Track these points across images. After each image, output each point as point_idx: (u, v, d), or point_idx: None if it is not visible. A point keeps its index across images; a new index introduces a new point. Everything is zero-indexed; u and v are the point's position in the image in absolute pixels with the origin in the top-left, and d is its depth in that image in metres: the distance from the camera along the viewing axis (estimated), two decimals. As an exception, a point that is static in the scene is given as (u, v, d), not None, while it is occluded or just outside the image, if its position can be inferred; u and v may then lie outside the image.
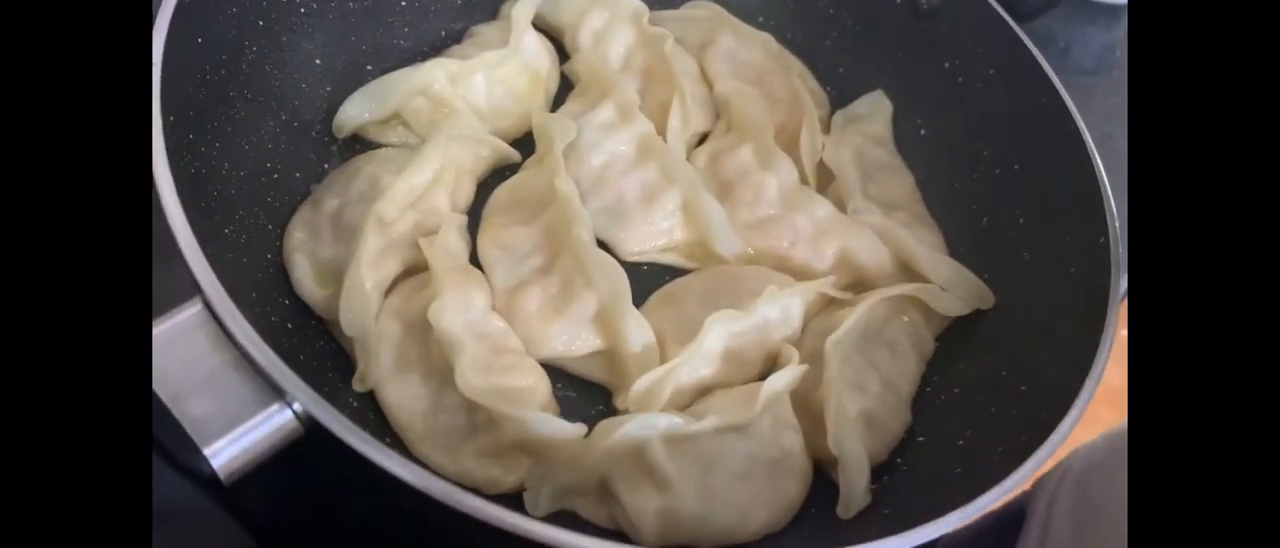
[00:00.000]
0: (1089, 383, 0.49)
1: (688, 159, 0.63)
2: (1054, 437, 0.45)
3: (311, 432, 0.38)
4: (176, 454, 0.36)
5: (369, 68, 0.64)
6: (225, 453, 0.37)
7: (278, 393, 0.38)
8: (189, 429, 0.36)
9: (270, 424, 0.38)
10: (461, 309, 0.51)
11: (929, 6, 0.69)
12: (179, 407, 0.36)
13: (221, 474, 0.36)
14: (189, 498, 0.35)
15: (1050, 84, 0.63)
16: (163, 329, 0.39)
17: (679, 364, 0.51)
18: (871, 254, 0.59)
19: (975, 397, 0.56)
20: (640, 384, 0.50)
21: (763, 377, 0.55)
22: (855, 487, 0.49)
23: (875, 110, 0.70)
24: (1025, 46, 0.65)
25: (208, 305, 0.39)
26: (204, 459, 0.36)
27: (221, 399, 0.37)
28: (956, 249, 0.64)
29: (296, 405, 0.38)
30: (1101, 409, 0.66)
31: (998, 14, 0.66)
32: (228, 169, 0.51)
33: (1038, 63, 0.64)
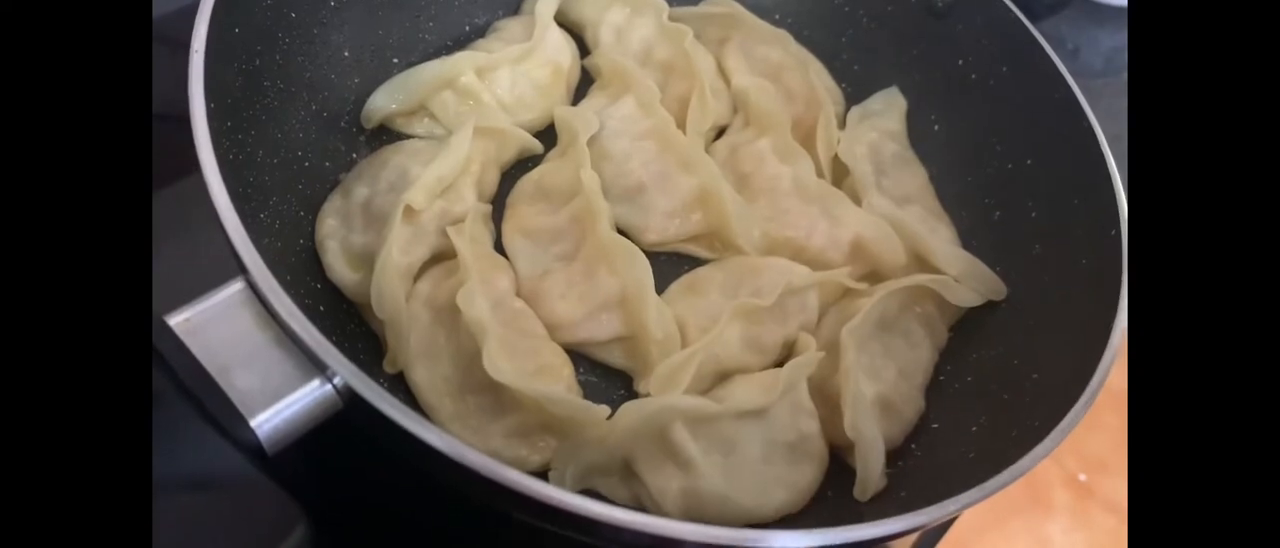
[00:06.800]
0: (1099, 372, 0.49)
1: (707, 152, 0.65)
2: (1064, 422, 0.46)
3: (351, 405, 0.40)
4: (223, 424, 0.37)
5: (395, 60, 0.66)
6: (269, 424, 0.38)
7: (319, 368, 0.39)
8: (235, 401, 0.37)
9: (312, 398, 0.39)
10: (488, 295, 0.52)
11: (944, 4, 0.70)
12: (225, 379, 0.38)
13: (266, 445, 0.38)
14: (237, 467, 0.36)
15: (1063, 80, 0.64)
16: (207, 305, 0.40)
17: (700, 349, 0.52)
18: (887, 246, 0.61)
19: (988, 385, 0.57)
20: (664, 367, 0.51)
21: (780, 363, 0.56)
22: (871, 470, 0.51)
23: (890, 106, 0.71)
24: (1038, 44, 0.66)
25: (251, 284, 0.40)
26: (250, 430, 0.37)
27: (265, 374, 0.39)
28: (969, 242, 0.65)
29: (337, 380, 0.39)
30: (1106, 415, 0.67)
31: (1011, 12, 0.67)
32: (262, 157, 0.53)
33: (1051, 60, 0.65)
